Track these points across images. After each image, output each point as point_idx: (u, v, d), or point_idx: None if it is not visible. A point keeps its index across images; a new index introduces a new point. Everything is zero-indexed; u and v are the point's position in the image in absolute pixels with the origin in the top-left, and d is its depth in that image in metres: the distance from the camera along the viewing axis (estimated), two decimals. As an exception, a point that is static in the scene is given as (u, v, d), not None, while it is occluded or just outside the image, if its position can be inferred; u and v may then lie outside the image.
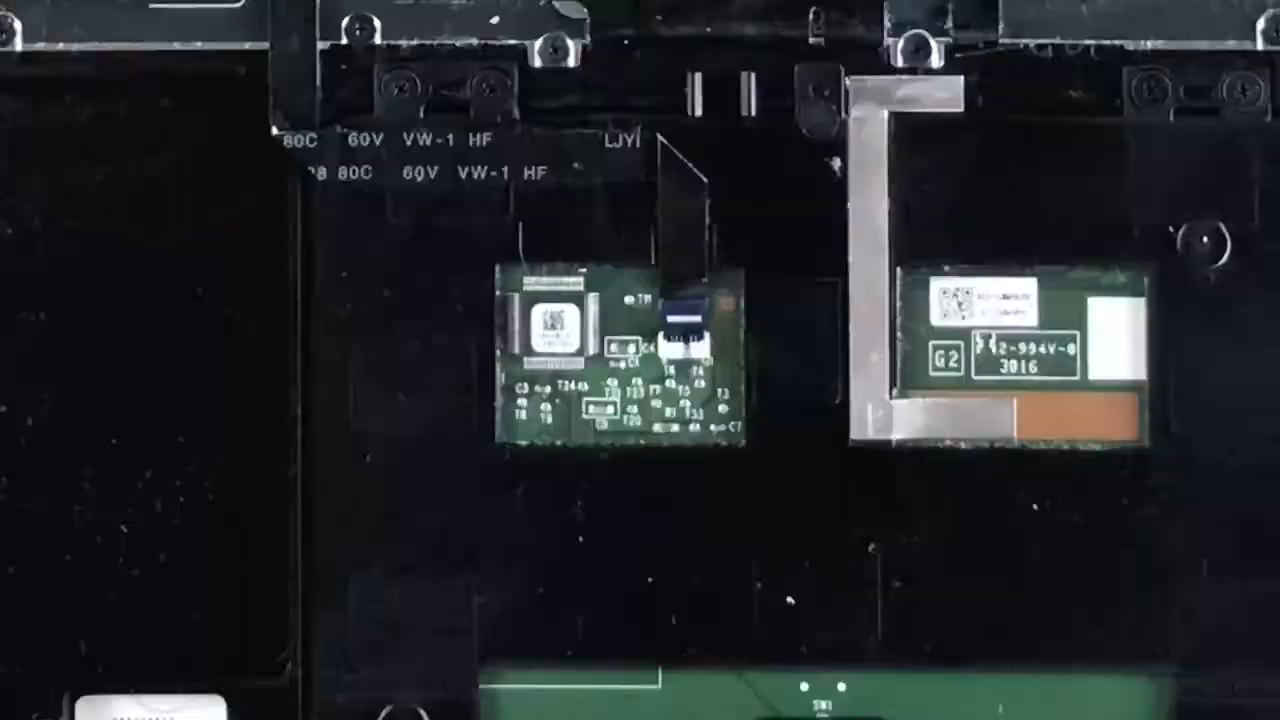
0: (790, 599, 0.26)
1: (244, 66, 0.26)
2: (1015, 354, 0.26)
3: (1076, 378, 0.26)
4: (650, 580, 0.26)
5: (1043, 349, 0.26)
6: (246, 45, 0.26)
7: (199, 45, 0.26)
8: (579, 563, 0.26)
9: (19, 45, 0.26)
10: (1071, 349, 0.26)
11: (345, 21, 0.26)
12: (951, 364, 0.26)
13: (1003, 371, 0.26)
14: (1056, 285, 0.26)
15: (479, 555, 0.26)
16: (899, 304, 0.26)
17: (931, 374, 0.26)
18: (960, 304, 0.26)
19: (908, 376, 0.26)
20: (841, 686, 0.26)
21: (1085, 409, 0.26)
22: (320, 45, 0.26)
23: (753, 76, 0.26)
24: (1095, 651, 0.26)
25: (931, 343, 0.26)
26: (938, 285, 0.26)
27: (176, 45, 0.26)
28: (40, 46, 0.26)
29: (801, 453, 0.26)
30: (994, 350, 0.26)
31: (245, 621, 0.27)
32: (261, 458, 0.26)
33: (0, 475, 0.26)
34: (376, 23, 0.26)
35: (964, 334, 0.26)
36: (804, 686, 0.26)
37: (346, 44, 0.26)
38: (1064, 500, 0.26)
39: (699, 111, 0.26)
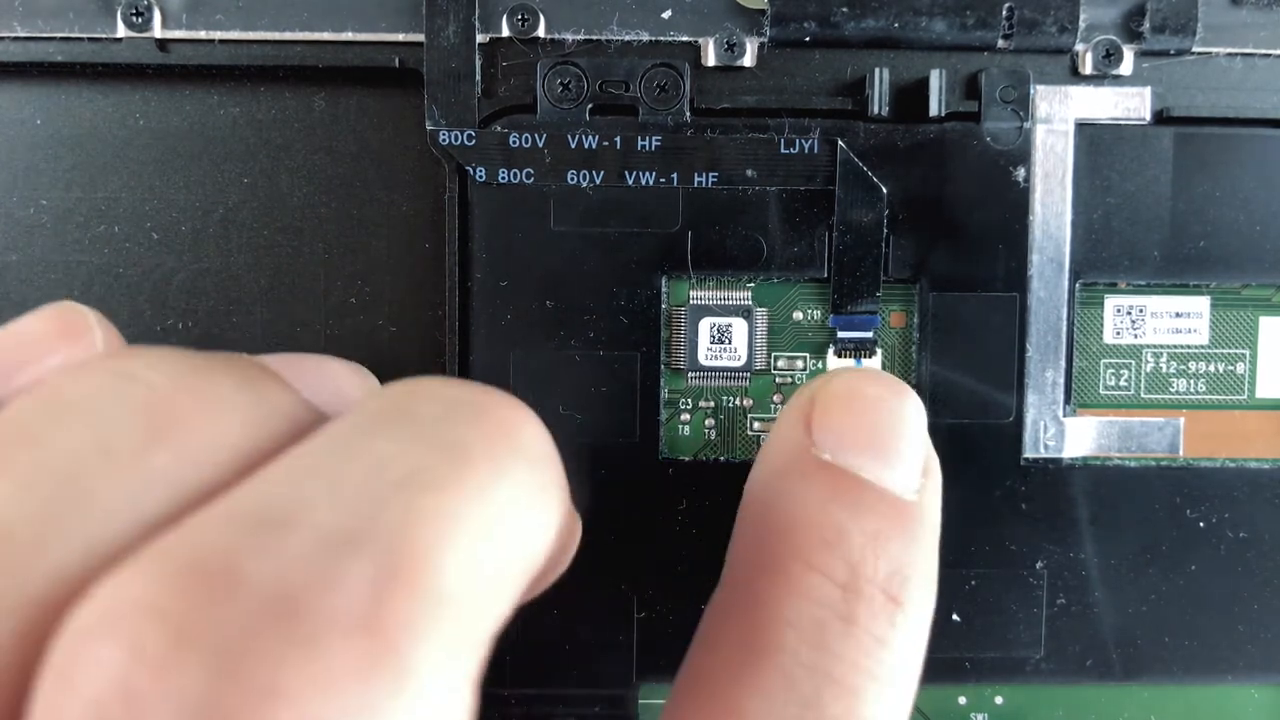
0: (955, 616, 0.26)
1: (398, 58, 0.24)
2: (1185, 372, 0.26)
3: (1244, 396, 0.26)
4: (814, 597, 0.26)
5: (1212, 367, 0.26)
6: (400, 36, 0.24)
7: (349, 35, 0.24)
8: (741, 578, 0.26)
9: (157, 32, 0.24)
10: (1241, 368, 0.26)
11: (506, 12, 0.24)
12: (1122, 382, 0.26)
13: (1172, 390, 0.26)
14: (1229, 304, 0.26)
15: (640, 570, 0.26)
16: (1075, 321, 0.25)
17: (1102, 392, 0.26)
18: (1133, 321, 0.26)
19: (1079, 394, 0.26)
20: (999, 700, 0.27)
21: (1252, 427, 0.26)
22: (479, 37, 0.24)
23: (943, 74, 0.24)
24: (1255, 665, 0.26)
25: (1103, 361, 0.26)
26: (1112, 303, 0.26)
27: (326, 35, 0.24)
28: (180, 34, 0.24)
29: (971, 471, 0.25)
30: (1164, 369, 0.26)
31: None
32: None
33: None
34: (540, 14, 0.24)
35: (1135, 352, 0.26)
36: (962, 700, 0.27)
37: (508, 36, 0.24)
38: (1229, 517, 0.26)
39: (884, 111, 0.24)
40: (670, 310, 0.25)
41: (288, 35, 0.24)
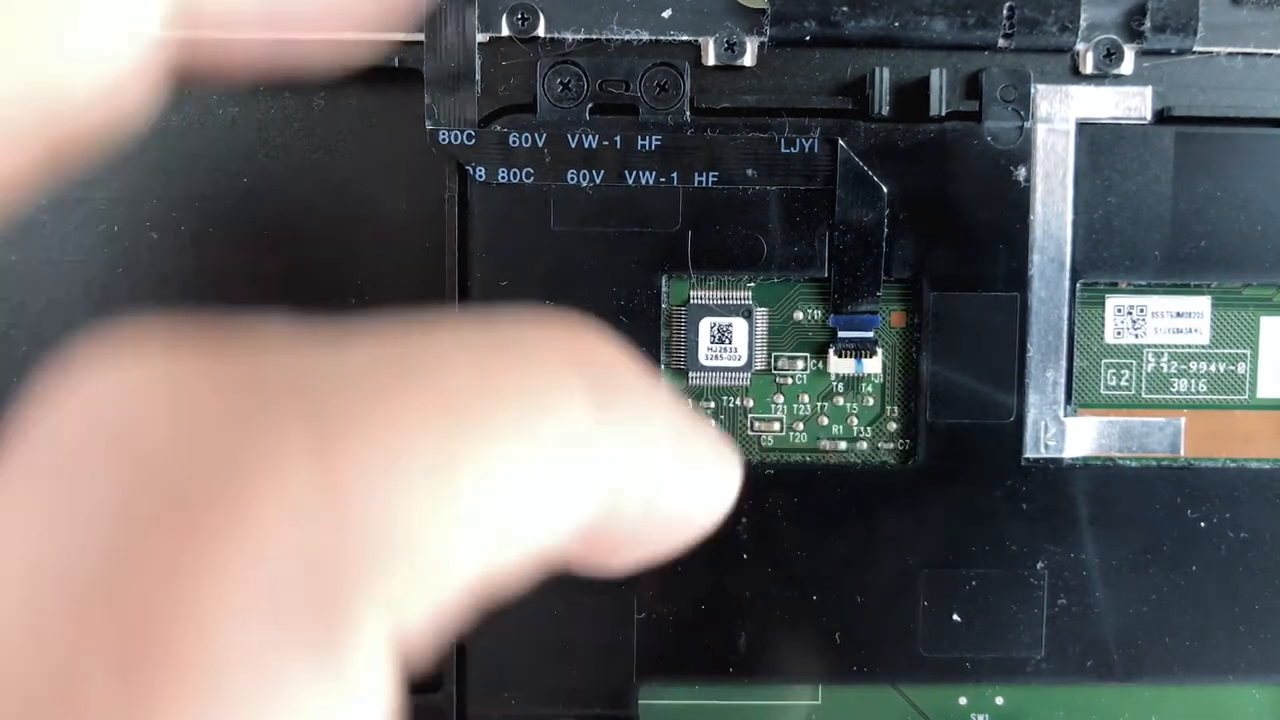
0: (955, 616, 0.26)
1: (398, 58, 0.24)
2: (1186, 372, 0.26)
3: (1245, 396, 0.26)
4: (814, 597, 0.26)
5: (1213, 367, 0.26)
6: (400, 36, 0.24)
7: (349, 34, 0.24)
8: (741, 579, 0.26)
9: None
10: (1242, 368, 0.26)
11: (506, 12, 0.24)
12: (1123, 382, 0.26)
13: (1173, 390, 0.26)
14: (1229, 304, 0.26)
15: (640, 570, 0.26)
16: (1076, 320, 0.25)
17: (1103, 392, 0.26)
18: (1134, 321, 0.26)
19: (1080, 394, 0.26)
20: (1000, 700, 0.26)
21: (1253, 427, 0.26)
22: (479, 37, 0.24)
23: (943, 73, 0.24)
24: (1255, 665, 0.26)
25: (1104, 361, 0.26)
26: (1112, 303, 0.26)
27: (324, 34, 0.24)
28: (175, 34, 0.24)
29: (972, 471, 0.25)
30: (1165, 369, 0.26)
31: (400, 636, 0.26)
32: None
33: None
34: (540, 14, 0.24)
35: (1136, 352, 0.26)
36: (962, 700, 0.26)
37: (507, 36, 0.24)
38: (1230, 517, 0.26)
39: (885, 110, 0.24)
40: (670, 310, 0.25)
41: (287, 35, 0.24)
